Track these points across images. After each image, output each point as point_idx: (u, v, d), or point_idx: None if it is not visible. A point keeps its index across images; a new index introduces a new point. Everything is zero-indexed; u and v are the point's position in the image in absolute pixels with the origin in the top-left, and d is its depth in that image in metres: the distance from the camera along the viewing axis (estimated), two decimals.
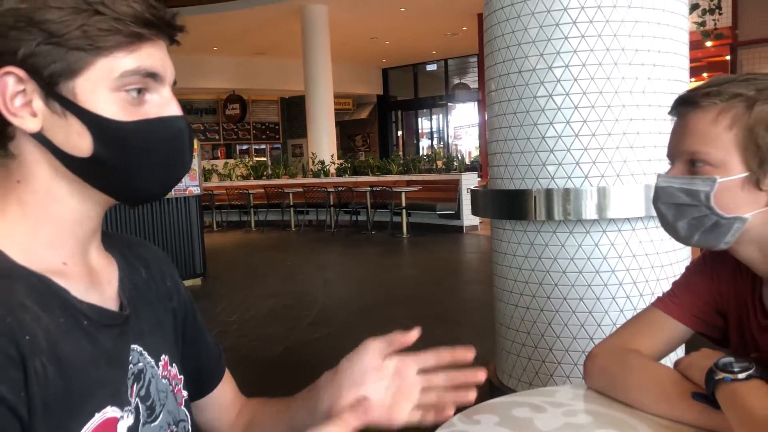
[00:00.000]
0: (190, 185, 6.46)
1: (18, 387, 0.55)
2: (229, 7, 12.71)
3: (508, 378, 2.64)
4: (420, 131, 20.56)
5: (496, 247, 2.67)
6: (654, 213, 1.03)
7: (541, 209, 2.34)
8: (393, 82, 19.87)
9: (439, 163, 12.53)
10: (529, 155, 2.40)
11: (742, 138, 0.89)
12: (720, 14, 7.74)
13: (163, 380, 0.74)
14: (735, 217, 0.91)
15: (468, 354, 0.74)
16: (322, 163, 12.23)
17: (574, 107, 2.30)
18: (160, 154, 0.66)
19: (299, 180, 12.28)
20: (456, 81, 18.90)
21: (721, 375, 0.86)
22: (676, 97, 0.98)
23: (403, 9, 12.58)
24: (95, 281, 0.69)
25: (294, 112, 18.98)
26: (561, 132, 2.32)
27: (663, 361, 1.08)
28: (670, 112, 0.99)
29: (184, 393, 0.78)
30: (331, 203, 10.97)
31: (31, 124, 0.62)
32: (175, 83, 0.68)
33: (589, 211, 2.28)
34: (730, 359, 0.88)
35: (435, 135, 20.09)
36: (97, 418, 0.62)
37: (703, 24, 7.56)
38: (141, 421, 0.68)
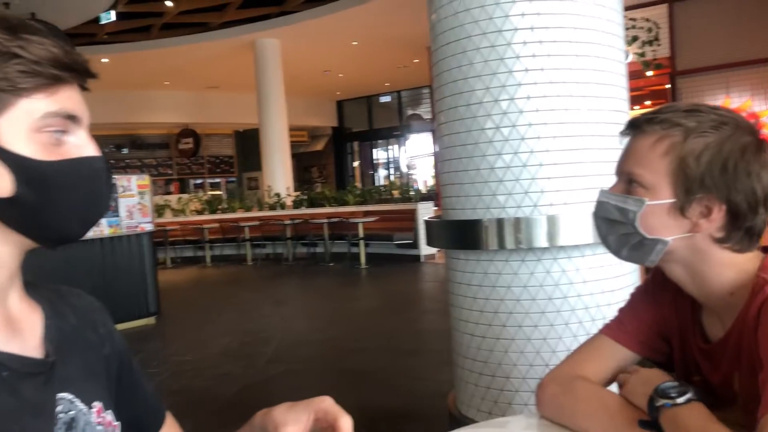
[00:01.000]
0: (141, 222, 6.32)
1: None
2: (179, 42, 12.68)
3: (467, 408, 2.64)
4: (376, 162, 20.70)
5: (452, 277, 2.69)
6: None
7: (492, 238, 2.38)
8: (348, 114, 20.04)
9: (396, 193, 12.62)
10: (479, 185, 2.44)
11: (674, 166, 0.93)
12: (658, 45, 8.11)
13: (99, 426, 0.72)
14: (657, 239, 0.95)
15: None
16: (278, 195, 12.16)
17: (521, 138, 2.35)
18: (81, 194, 0.66)
19: (255, 213, 12.17)
20: (410, 112, 19.18)
21: (661, 402, 0.88)
22: (617, 126, 1.02)
23: (355, 42, 12.76)
24: (16, 329, 0.68)
25: (249, 145, 18.89)
26: (509, 162, 2.37)
27: (612, 387, 1.10)
28: (620, 132, 1.03)
29: None
30: (288, 236, 10.89)
31: None
32: (89, 126, 0.69)
33: (540, 239, 2.33)
34: (669, 384, 0.90)
35: (391, 165, 20.26)
36: None
37: (643, 54, 7.90)
38: None
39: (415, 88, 17.85)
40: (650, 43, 8.05)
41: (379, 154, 20.60)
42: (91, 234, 5.76)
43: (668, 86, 8.47)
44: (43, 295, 0.76)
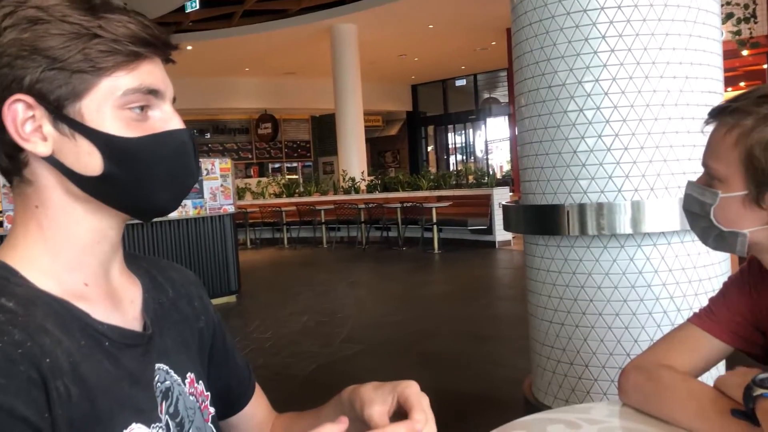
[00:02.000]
0: (224, 204, 6.57)
1: (41, 408, 0.56)
2: (258, 29, 12.99)
3: (544, 395, 2.61)
4: (450, 146, 20.55)
5: (530, 263, 2.66)
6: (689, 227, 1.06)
7: (574, 224, 2.33)
8: (422, 98, 19.95)
9: (470, 178, 12.50)
10: (561, 170, 2.39)
11: (743, 157, 0.92)
12: (755, 23, 7.60)
13: (191, 397, 0.75)
14: (735, 232, 0.94)
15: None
16: (353, 180, 12.31)
17: (605, 121, 2.28)
18: (168, 167, 0.67)
19: (330, 197, 12.38)
20: (486, 96, 18.89)
21: (759, 391, 0.85)
22: (709, 108, 1.00)
23: (431, 26, 12.67)
24: (117, 302, 0.71)
25: (324, 130, 19.19)
26: (593, 146, 2.31)
27: (703, 379, 1.06)
28: (704, 122, 1.01)
29: (211, 410, 0.79)
30: (362, 219, 11.01)
31: (42, 149, 0.64)
32: (174, 100, 0.70)
33: (624, 226, 2.26)
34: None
35: (465, 150, 20.06)
36: None
37: (738, 33, 7.44)
38: None
39: (491, 71, 17.54)
40: (746, 20, 7.54)
41: (453, 139, 20.44)
42: (176, 215, 6.06)
43: (765, 66, 7.94)
44: (142, 267, 0.79)
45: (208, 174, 6.47)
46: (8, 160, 0.65)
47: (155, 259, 0.85)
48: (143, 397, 0.67)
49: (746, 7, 7.60)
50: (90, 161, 0.64)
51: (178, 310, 0.80)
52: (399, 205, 10.41)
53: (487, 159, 19.38)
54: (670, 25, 2.24)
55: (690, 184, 1.01)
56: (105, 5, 0.64)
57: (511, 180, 14.26)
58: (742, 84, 8.74)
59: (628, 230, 2.26)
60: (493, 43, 13.87)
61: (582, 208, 2.31)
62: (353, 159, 13.01)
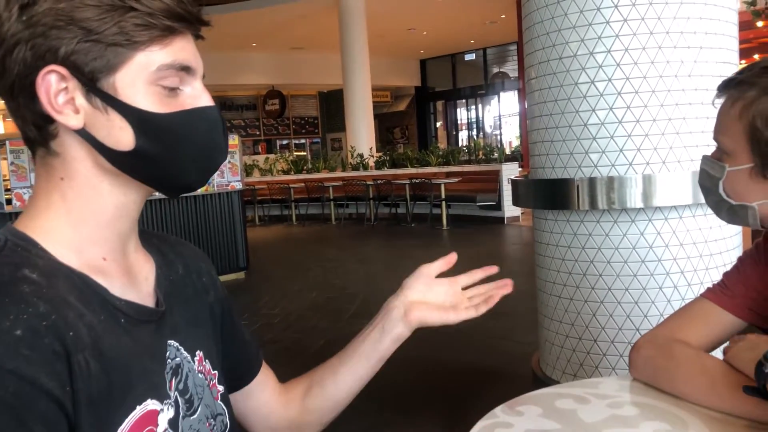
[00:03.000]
0: (232, 180, 6.57)
1: (64, 382, 0.56)
2: (266, 3, 12.84)
3: (552, 370, 2.61)
4: (459, 122, 20.41)
5: (539, 238, 2.63)
6: (702, 200, 1.05)
7: (584, 198, 2.30)
8: (431, 73, 19.77)
9: (480, 154, 12.43)
10: (571, 143, 2.35)
11: (747, 129, 0.91)
12: None
13: (200, 375, 0.75)
14: (744, 205, 0.94)
15: (493, 269, 0.95)
16: (361, 156, 12.26)
17: (617, 93, 2.24)
18: (199, 143, 0.67)
19: (339, 173, 12.36)
20: (495, 70, 18.68)
21: None
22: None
23: None
24: (132, 278, 0.71)
25: (332, 106, 19.09)
26: (604, 119, 2.27)
27: (714, 353, 1.05)
28: (715, 95, 1.00)
29: (220, 388, 0.79)
30: (371, 196, 10.99)
31: (74, 121, 0.63)
32: (204, 76, 0.70)
33: (635, 200, 2.23)
34: None
35: (474, 125, 19.91)
36: (138, 410, 0.63)
37: (753, 3, 7.27)
38: (181, 415, 0.69)
39: (501, 45, 17.33)
40: None
41: (462, 114, 20.28)
42: None
43: None
44: (153, 243, 0.79)
45: None
46: (37, 131, 0.64)
47: (165, 236, 0.85)
48: (157, 373, 0.67)
49: None
50: (122, 136, 0.64)
51: (188, 286, 0.80)
52: (408, 181, 10.37)
53: (499, 133, 19.23)
54: None
55: (704, 158, 1.01)
56: None
57: (520, 156, 14.15)
58: (756, 56, 8.57)
59: (639, 204, 2.23)
60: (503, 16, 13.67)
61: (592, 182, 2.28)
62: (362, 135, 12.95)
